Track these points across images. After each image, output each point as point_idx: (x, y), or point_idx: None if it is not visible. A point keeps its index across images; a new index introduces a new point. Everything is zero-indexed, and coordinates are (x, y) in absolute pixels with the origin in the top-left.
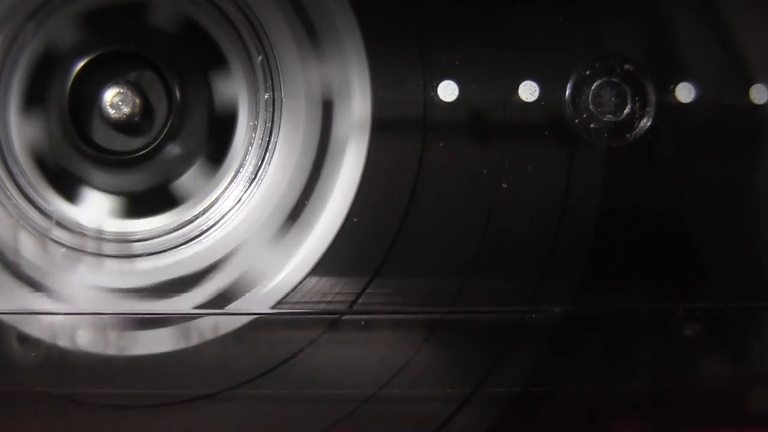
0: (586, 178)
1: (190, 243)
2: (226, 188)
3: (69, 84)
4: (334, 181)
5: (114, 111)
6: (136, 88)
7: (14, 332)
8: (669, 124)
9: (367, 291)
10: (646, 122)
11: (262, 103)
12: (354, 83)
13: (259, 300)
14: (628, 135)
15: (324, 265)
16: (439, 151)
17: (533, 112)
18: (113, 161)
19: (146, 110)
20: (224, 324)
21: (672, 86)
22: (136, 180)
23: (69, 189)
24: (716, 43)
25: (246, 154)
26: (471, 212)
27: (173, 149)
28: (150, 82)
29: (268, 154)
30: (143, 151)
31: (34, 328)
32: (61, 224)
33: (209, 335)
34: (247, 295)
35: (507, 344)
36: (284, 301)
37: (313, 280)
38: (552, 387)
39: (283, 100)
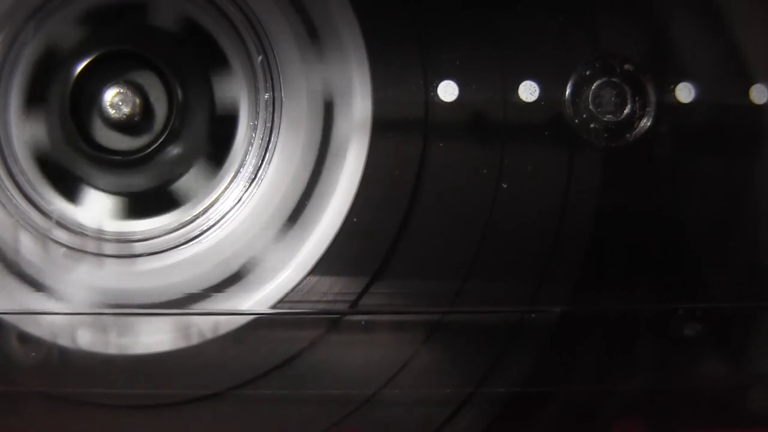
0: (586, 178)
1: (190, 243)
2: (227, 188)
3: (70, 84)
4: (335, 181)
5: (114, 111)
6: (137, 88)
7: (14, 332)
8: (669, 124)
9: (368, 291)
10: (646, 122)
11: (262, 103)
12: (354, 83)
13: (259, 300)
14: (628, 135)
15: (324, 265)
16: (439, 151)
17: (533, 112)
18: (114, 161)
19: (146, 110)
20: (224, 324)
21: (672, 86)
22: (137, 180)
23: (69, 189)
24: (716, 43)
25: (246, 154)
26: (471, 212)
27: (173, 149)
28: (150, 82)
29: (268, 154)
30: (144, 152)
31: (34, 328)
32: (61, 224)
33: (209, 335)
34: (248, 295)
35: (507, 344)
36: (284, 300)
37: (313, 279)
38: (552, 387)
39: (283, 100)
